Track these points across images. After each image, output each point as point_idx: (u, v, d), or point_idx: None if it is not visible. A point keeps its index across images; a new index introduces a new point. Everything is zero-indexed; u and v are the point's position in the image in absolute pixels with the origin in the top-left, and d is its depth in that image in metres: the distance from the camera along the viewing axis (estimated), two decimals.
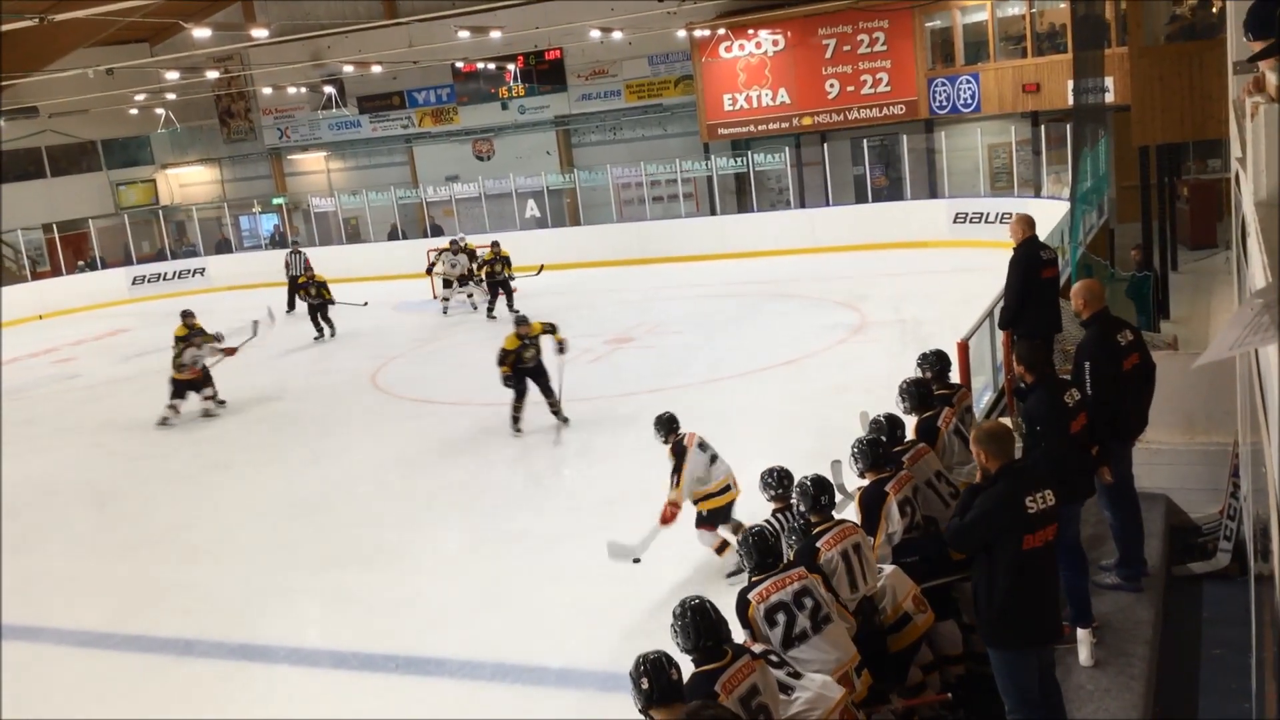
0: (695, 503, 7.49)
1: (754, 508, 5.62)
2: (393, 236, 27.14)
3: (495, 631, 7.08)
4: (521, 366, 11.47)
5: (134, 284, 26.77)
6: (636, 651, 3.77)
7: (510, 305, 18.48)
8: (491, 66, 27.42)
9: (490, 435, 11.94)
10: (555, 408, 11.76)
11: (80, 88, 24.12)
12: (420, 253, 22.54)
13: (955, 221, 20.94)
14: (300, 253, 21.93)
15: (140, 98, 27.45)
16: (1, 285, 24.74)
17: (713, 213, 24.75)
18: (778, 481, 5.59)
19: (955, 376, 6.97)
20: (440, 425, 12.59)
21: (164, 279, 26.96)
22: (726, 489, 7.52)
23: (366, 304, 18.95)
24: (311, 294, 18.67)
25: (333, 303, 18.54)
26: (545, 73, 27.78)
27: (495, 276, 18.87)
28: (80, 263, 27.99)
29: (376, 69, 26.13)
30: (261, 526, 9.75)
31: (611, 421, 11.92)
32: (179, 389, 13.71)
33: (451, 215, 26.38)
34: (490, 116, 28.70)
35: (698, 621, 3.91)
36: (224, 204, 30.35)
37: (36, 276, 26.94)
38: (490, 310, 18.86)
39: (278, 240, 28.81)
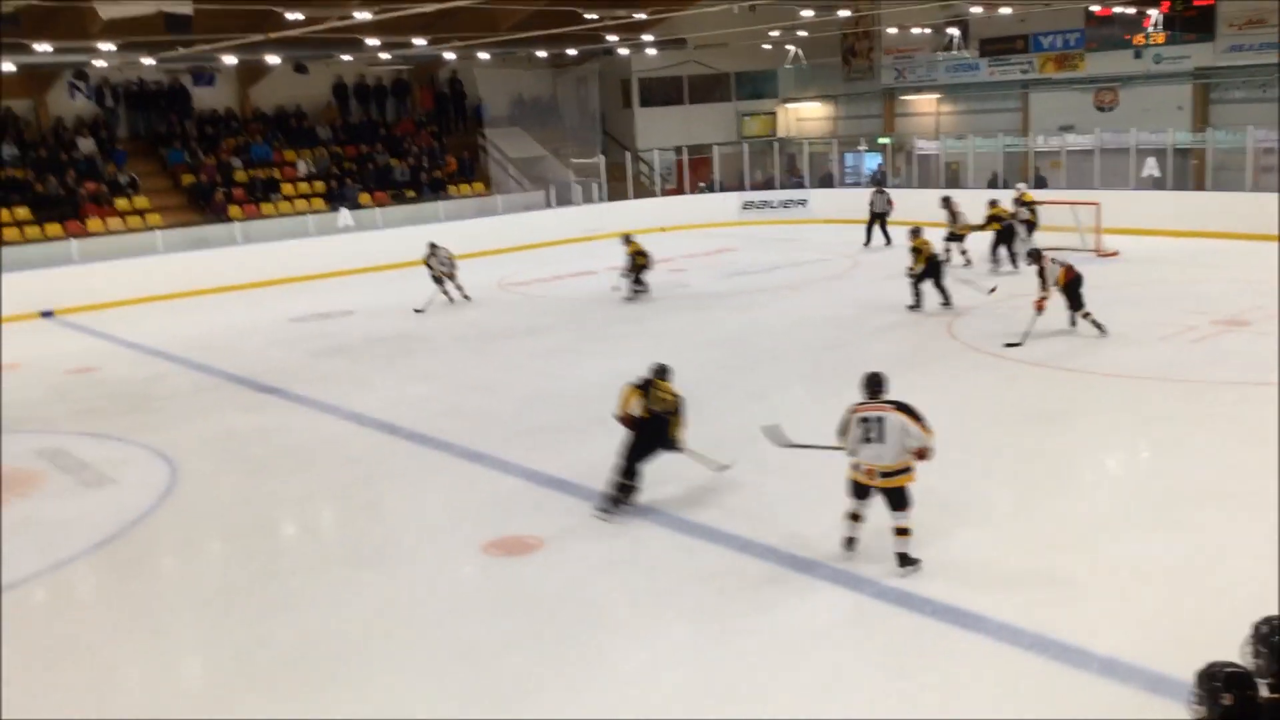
0: None
1: None
2: (992, 185, 26.50)
3: (1039, 603, 6.85)
4: None
5: (744, 208, 28.92)
6: (1191, 659, 3.49)
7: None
8: (1130, 10, 25.44)
9: (1067, 404, 11.38)
10: None
11: (723, 22, 26.21)
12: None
13: None
14: (884, 192, 22.69)
15: (774, 34, 29.20)
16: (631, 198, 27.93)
17: None
18: None
19: None
20: (1013, 388, 12.22)
21: (770, 206, 28.81)
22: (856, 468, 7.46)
23: (994, 290, 16.25)
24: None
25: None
26: (1191, 19, 25.24)
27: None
28: (701, 184, 30.80)
29: (1005, 11, 25.39)
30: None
31: (1203, 409, 10.83)
32: None
33: (1059, 167, 25.15)
34: (1119, 64, 26.72)
35: None
36: (834, 140, 31.51)
37: (665, 193, 30.14)
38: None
39: (878, 179, 29.42)
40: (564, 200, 28.46)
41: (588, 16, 21.35)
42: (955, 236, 19.59)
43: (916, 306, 16.09)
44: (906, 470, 7.27)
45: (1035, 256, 14.16)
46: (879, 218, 23.07)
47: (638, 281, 18.70)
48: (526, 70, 31.06)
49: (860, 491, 7.44)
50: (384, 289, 21.43)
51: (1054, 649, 6.27)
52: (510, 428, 11.58)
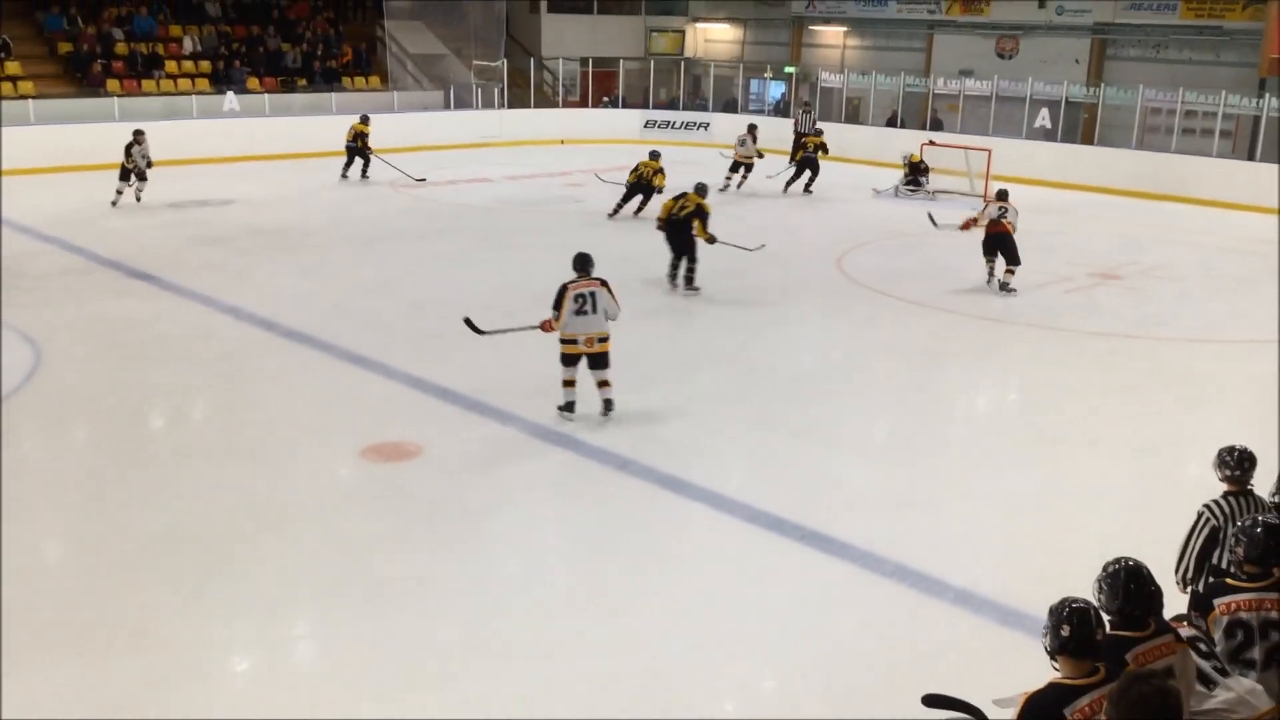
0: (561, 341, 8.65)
1: (1204, 482, 5.15)
2: (890, 123, 26.79)
3: (898, 534, 7.10)
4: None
5: (645, 126, 28.67)
6: (1046, 595, 3.66)
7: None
8: None
9: (943, 344, 11.73)
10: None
11: None
12: (913, 143, 22.12)
13: None
14: (811, 112, 22.80)
15: None
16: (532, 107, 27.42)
17: (1250, 158, 21.92)
18: (1235, 461, 5.03)
19: None
20: (893, 321, 12.52)
21: (672, 127, 28.62)
22: (574, 341, 8.60)
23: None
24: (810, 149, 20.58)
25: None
26: None
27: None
28: (605, 99, 30.38)
29: None
30: (708, 380, 10.33)
31: (1073, 358, 11.25)
32: None
33: (956, 110, 25.51)
34: (1024, 13, 27.10)
35: (1129, 585, 3.70)
36: (740, 65, 31.36)
37: (566, 105, 29.66)
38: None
39: (780, 108, 29.44)
40: (463, 103, 27.76)
41: None
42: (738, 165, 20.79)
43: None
44: (607, 337, 8.67)
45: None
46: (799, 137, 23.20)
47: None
48: None
49: (572, 360, 8.67)
50: (268, 179, 20.71)
51: (912, 577, 6.51)
52: (396, 332, 11.40)
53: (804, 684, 5.56)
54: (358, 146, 20.65)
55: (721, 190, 19.84)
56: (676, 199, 13.11)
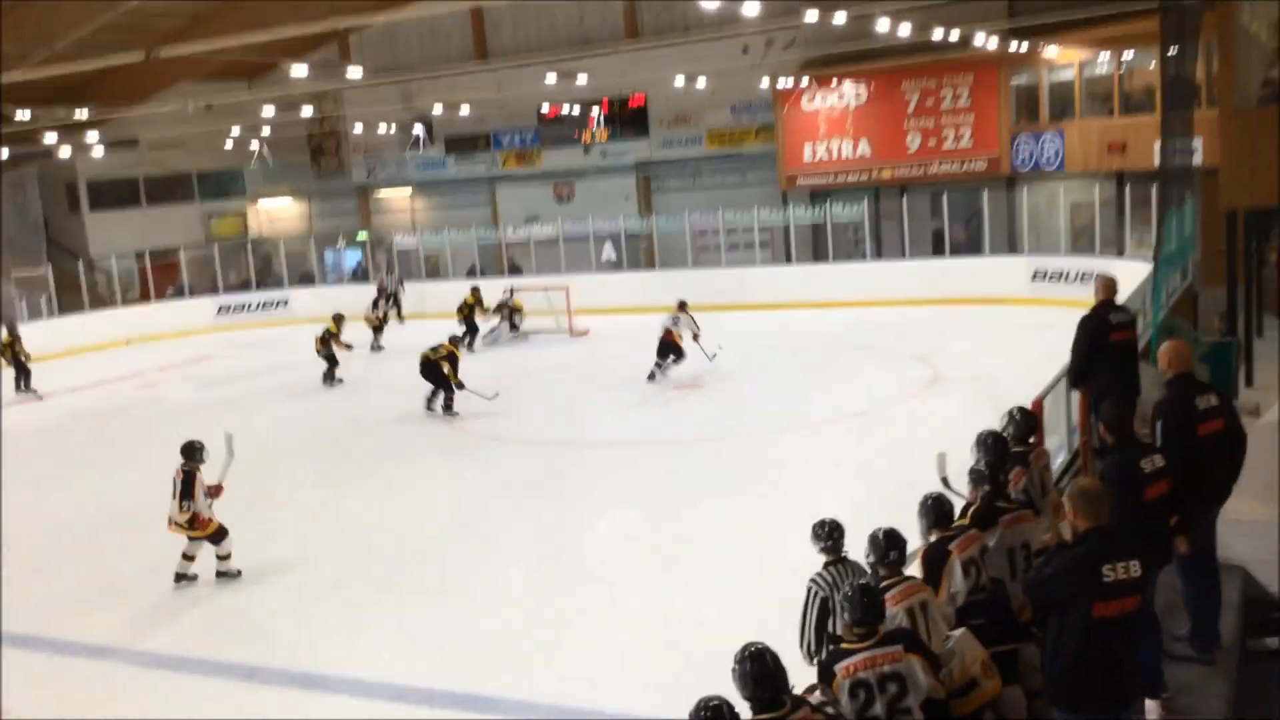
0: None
1: (808, 558, 5.59)
2: (471, 274, 27.56)
3: (553, 673, 7.09)
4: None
5: (219, 313, 27.45)
6: (697, 699, 3.77)
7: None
8: (576, 111, 27.85)
9: (558, 477, 12.01)
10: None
11: (179, 122, 24.98)
12: (496, 290, 22.86)
13: (1034, 279, 20.66)
14: (394, 271, 23.23)
15: (236, 132, 28.30)
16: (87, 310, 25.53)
17: (788, 261, 24.70)
18: (826, 534, 5.50)
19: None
20: (508, 462, 12.69)
21: (249, 309, 27.62)
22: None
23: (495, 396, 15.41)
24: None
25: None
26: (628, 119, 28.17)
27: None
28: (169, 290, 28.80)
29: (464, 110, 26.68)
30: (326, 558, 9.87)
31: (677, 467, 11.92)
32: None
33: (529, 255, 26.72)
34: (572, 160, 29.11)
35: (755, 670, 3.89)
36: (310, 238, 31.07)
37: (126, 303, 27.79)
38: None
39: (359, 275, 29.40)
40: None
41: (19, 116, 19.40)
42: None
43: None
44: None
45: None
46: (390, 296, 23.61)
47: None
48: None
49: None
50: None
51: (569, 715, 6.49)
52: None
53: None
54: None
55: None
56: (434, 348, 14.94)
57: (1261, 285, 17.57)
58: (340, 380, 18.25)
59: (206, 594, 9.22)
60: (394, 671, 7.38)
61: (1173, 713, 5.25)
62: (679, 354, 16.06)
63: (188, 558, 9.36)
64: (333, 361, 18.34)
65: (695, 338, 16.42)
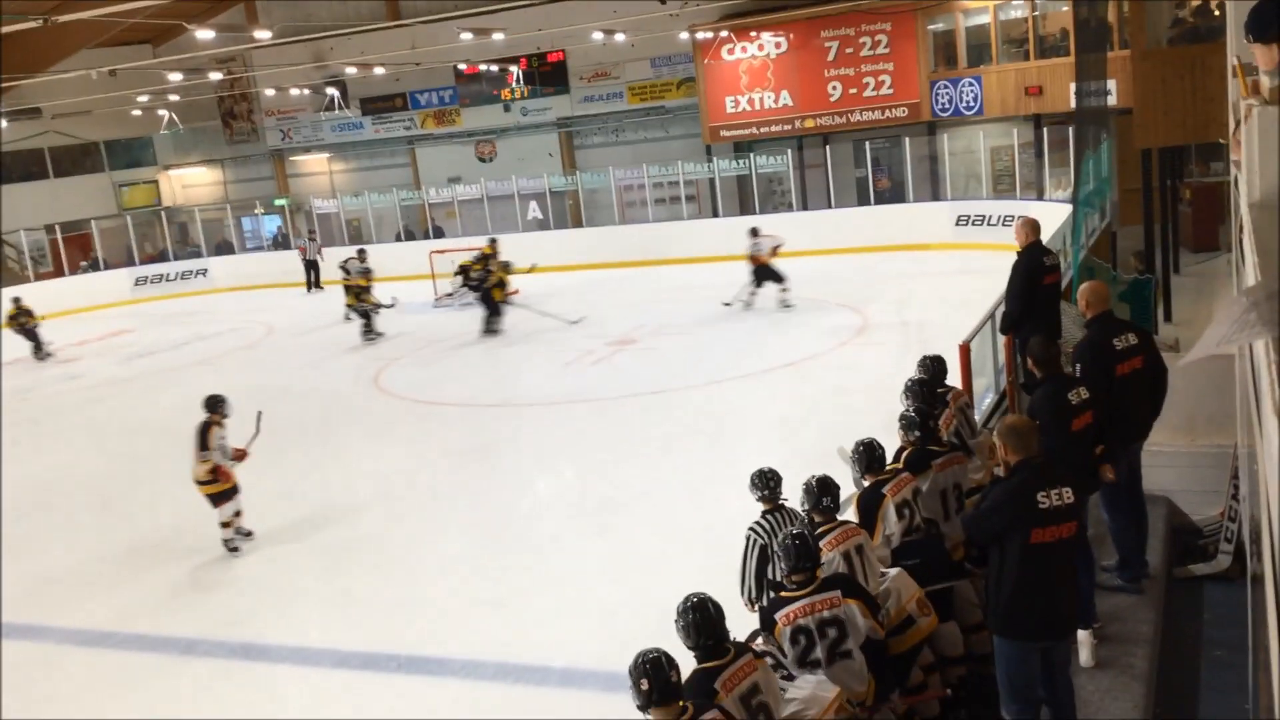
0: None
1: (746, 508, 5.63)
2: (399, 238, 27.17)
3: (498, 632, 7.10)
4: None
5: (136, 285, 26.80)
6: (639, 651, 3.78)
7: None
8: (494, 68, 27.44)
9: (493, 438, 11.97)
10: None
11: (83, 89, 24.18)
12: (424, 254, 22.59)
13: (958, 224, 20.95)
14: (315, 239, 22.66)
15: (143, 99, 27.46)
16: (2, 285, 24.73)
17: (715, 215, 24.74)
18: (764, 483, 5.55)
19: (957, 379, 6.96)
20: (442, 426, 12.60)
21: (166, 280, 27.00)
22: None
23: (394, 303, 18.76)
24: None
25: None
26: (547, 75, 27.81)
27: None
28: (83, 263, 28.01)
29: (379, 71, 26.14)
30: (262, 528, 9.74)
31: (612, 424, 11.94)
32: None
33: (454, 217, 26.40)
34: (492, 118, 28.72)
35: (697, 619, 3.91)
36: (227, 205, 30.36)
37: (39, 277, 26.97)
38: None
39: (280, 241, 28.83)
40: None
41: None
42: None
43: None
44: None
45: None
46: (311, 265, 23.17)
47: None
48: None
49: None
50: None
51: (515, 673, 6.51)
52: None
53: None
54: None
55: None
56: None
57: (1177, 223, 18.04)
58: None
59: (140, 568, 9.05)
60: (335, 638, 7.34)
61: (1103, 641, 5.40)
62: (776, 276, 16.81)
63: (225, 525, 9.12)
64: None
65: (776, 250, 16.96)
